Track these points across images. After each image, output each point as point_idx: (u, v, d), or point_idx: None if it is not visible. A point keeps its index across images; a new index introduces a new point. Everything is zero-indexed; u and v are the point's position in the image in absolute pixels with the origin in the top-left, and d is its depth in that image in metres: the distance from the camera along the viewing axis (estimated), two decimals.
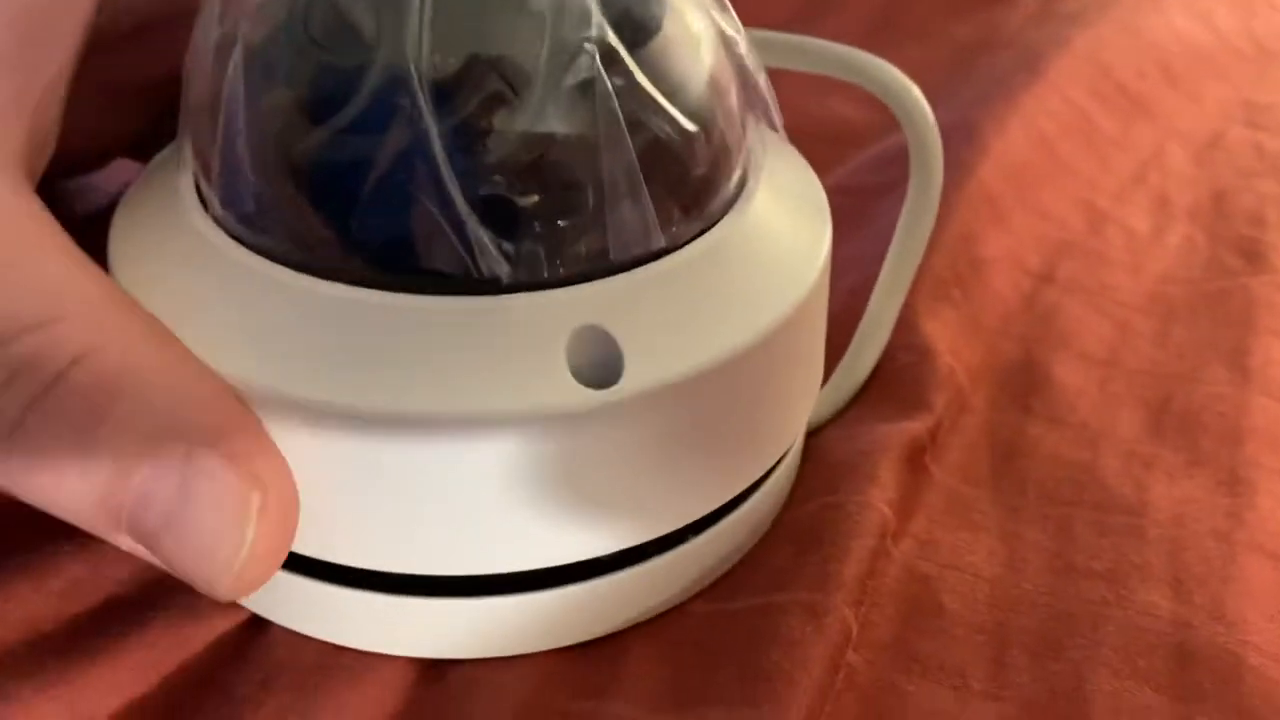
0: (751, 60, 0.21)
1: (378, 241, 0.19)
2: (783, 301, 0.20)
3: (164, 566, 0.18)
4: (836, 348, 0.24)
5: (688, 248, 0.20)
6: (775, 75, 0.22)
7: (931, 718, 0.20)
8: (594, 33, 0.19)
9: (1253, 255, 0.33)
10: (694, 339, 0.19)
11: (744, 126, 0.21)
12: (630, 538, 0.20)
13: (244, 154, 0.19)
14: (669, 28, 0.20)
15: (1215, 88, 0.43)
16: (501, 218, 0.18)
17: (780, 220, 0.22)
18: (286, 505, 0.18)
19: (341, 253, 0.19)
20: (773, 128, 0.22)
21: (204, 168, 0.20)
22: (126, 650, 0.20)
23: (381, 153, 0.18)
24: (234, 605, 0.21)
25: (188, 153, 0.21)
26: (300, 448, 0.18)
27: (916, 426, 0.25)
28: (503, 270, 0.18)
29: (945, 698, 0.20)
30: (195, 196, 0.21)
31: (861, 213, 0.32)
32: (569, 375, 0.18)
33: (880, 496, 0.23)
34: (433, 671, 0.21)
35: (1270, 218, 0.35)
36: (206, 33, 0.20)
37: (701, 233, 0.20)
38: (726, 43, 0.21)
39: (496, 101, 0.18)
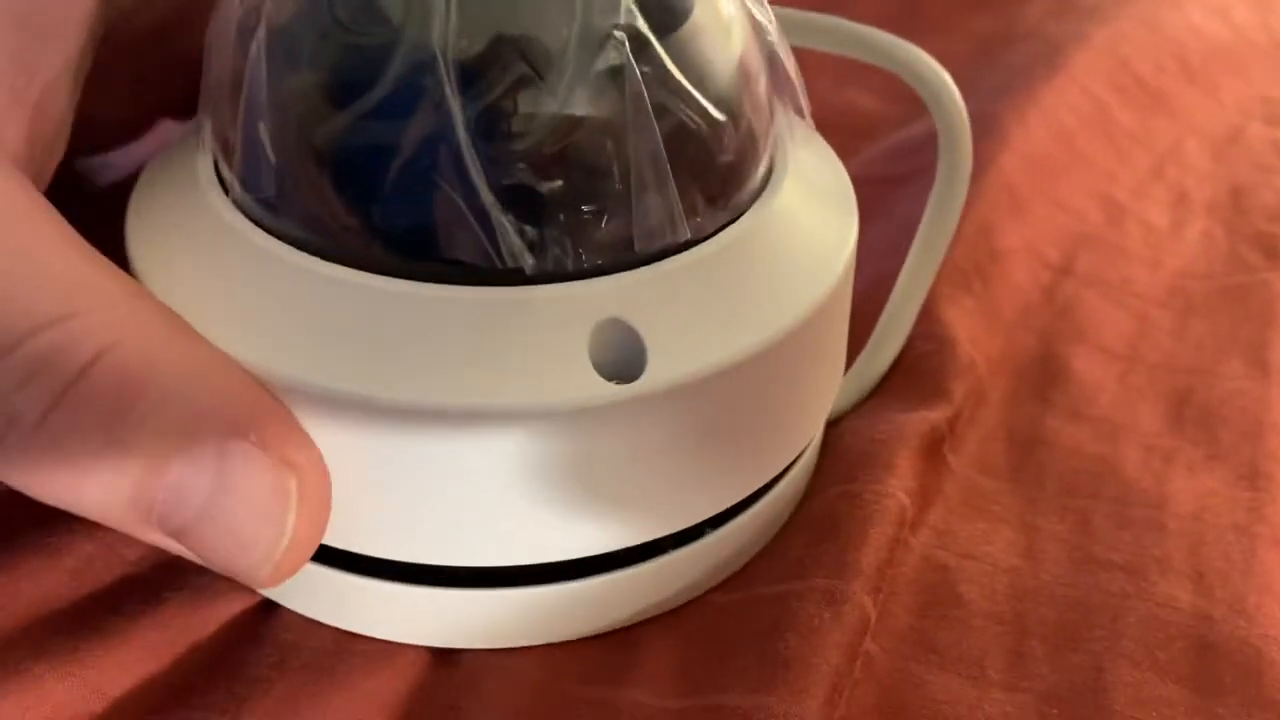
0: (782, 47, 0.21)
1: (400, 229, 0.18)
2: (808, 297, 0.20)
3: (196, 559, 0.18)
4: (855, 338, 0.24)
5: (713, 240, 0.20)
6: None
7: (949, 708, 0.20)
8: (623, 18, 0.18)
9: (1271, 251, 0.33)
10: (717, 334, 0.19)
11: (771, 114, 0.21)
12: (648, 532, 0.20)
13: (266, 137, 0.19)
14: (699, 13, 0.20)
15: (1233, 83, 0.43)
16: (526, 207, 0.18)
17: (807, 212, 0.21)
18: (322, 489, 0.18)
19: (363, 239, 0.19)
20: (800, 114, 0.22)
21: (224, 149, 0.20)
22: (139, 630, 0.20)
23: (405, 138, 0.18)
24: (247, 588, 0.21)
25: (207, 133, 0.21)
26: (317, 436, 0.18)
27: (935, 416, 0.25)
28: (527, 261, 0.18)
29: (963, 688, 0.20)
30: (214, 178, 0.20)
31: (878, 203, 0.32)
32: (591, 369, 0.18)
33: (898, 485, 0.23)
34: (446, 656, 0.20)
35: None
36: (228, 11, 0.20)
37: (727, 224, 0.20)
38: (757, 29, 0.21)
39: (522, 86, 0.18)
